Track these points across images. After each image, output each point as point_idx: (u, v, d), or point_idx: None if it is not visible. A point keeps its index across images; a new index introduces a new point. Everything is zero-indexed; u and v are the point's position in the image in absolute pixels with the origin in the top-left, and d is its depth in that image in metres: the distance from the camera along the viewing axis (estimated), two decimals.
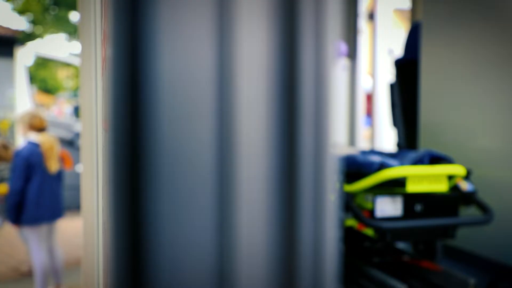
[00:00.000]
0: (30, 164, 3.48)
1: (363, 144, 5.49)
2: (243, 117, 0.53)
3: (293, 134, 0.55)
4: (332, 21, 0.56)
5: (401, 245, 2.70)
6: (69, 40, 15.77)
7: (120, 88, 0.51)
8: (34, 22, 14.57)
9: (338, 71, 0.57)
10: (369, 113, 5.50)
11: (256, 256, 0.54)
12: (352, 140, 5.51)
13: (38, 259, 3.58)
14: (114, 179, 0.52)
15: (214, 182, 0.53)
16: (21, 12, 14.36)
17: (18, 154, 3.52)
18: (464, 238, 2.83)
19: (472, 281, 2.16)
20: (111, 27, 0.50)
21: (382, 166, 2.05)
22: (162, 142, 0.51)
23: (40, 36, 14.65)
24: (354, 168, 2.16)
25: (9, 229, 5.35)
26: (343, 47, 3.45)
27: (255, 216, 0.54)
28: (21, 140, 4.72)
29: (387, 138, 5.25)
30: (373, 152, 2.70)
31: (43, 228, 3.64)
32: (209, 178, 0.52)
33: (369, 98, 5.46)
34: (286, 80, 0.54)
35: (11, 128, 8.94)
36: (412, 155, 2.29)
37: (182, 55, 0.51)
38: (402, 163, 2.19)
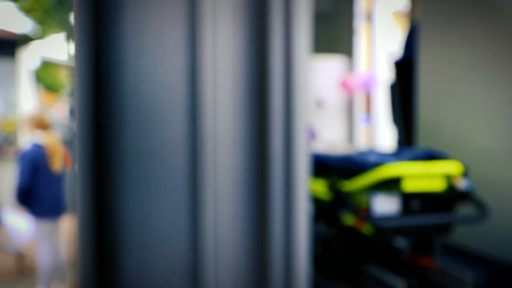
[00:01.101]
0: (36, 165, 3.59)
1: (362, 142, 5.51)
2: (211, 116, 0.54)
3: (263, 133, 0.56)
4: (300, 23, 0.57)
5: (399, 243, 2.72)
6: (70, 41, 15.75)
7: (86, 88, 0.51)
8: (38, 22, 14.61)
9: (307, 71, 0.59)
10: (368, 112, 5.52)
11: (226, 254, 0.55)
12: (351, 138, 5.52)
13: (43, 255, 3.66)
14: (82, 179, 0.53)
15: (183, 182, 0.54)
16: (28, 11, 14.40)
17: (24, 156, 3.60)
18: (462, 236, 2.85)
19: (469, 278, 2.18)
20: (76, 28, 0.51)
21: (379, 165, 2.08)
22: (129, 141, 0.52)
23: (42, 37, 14.69)
24: (352, 166, 2.19)
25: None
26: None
27: (225, 215, 0.55)
28: (24, 139, 4.75)
29: (386, 137, 5.27)
30: (371, 151, 2.72)
31: (46, 225, 3.70)
32: (178, 178, 0.53)
33: (368, 97, 5.48)
34: (256, 80, 0.56)
35: (15, 128, 8.98)
36: (410, 153, 2.31)
37: (150, 55, 0.52)
38: (400, 161, 2.21)
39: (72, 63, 0.53)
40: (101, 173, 0.53)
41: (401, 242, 2.67)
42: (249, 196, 0.57)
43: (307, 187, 0.59)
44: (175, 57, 0.54)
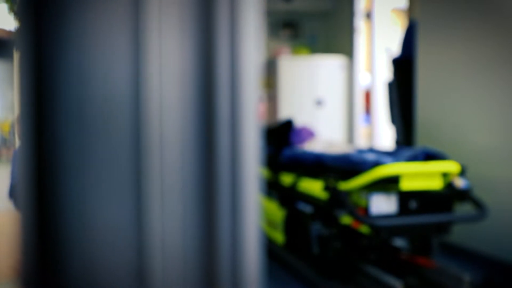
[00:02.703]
0: None
1: (361, 141, 5.51)
2: (157, 118, 0.54)
3: (211, 134, 0.56)
4: (248, 27, 0.57)
5: (397, 242, 2.72)
6: None
7: (29, 92, 0.52)
8: None
9: (254, 73, 0.59)
10: (368, 111, 5.51)
11: (174, 254, 0.55)
12: (350, 138, 5.52)
13: None
14: (24, 179, 0.52)
15: (129, 182, 0.54)
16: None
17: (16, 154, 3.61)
18: (460, 234, 2.84)
19: (467, 277, 2.17)
20: (20, 32, 0.51)
21: (376, 164, 2.07)
22: (74, 142, 0.52)
23: None
24: (349, 166, 2.18)
25: (7, 229, 5.36)
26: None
27: (173, 215, 0.55)
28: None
29: (385, 136, 5.26)
30: (369, 150, 2.71)
31: None
32: (124, 179, 0.53)
33: (367, 96, 5.47)
34: (203, 83, 0.56)
35: (12, 129, 8.99)
36: (407, 152, 2.30)
37: (96, 59, 0.52)
38: (397, 161, 2.20)
39: (16, 65, 0.53)
40: (44, 174, 0.52)
41: (399, 241, 2.67)
42: (197, 196, 0.57)
43: (257, 188, 0.59)
44: (121, 61, 0.54)
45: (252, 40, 0.58)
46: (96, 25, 0.52)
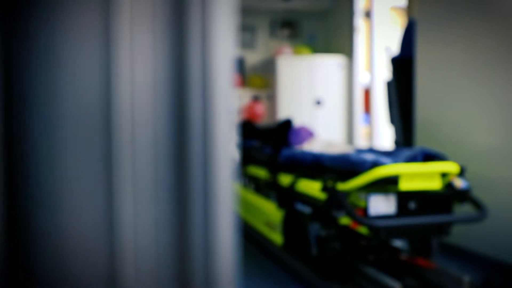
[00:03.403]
0: None
1: (361, 141, 5.49)
2: (129, 121, 0.54)
3: (183, 135, 0.56)
4: (221, 26, 0.57)
5: (396, 243, 2.70)
6: None
7: None
8: None
9: (228, 75, 0.60)
10: (367, 111, 5.49)
11: (147, 259, 0.54)
12: (350, 138, 5.50)
13: None
14: None
15: (100, 187, 0.53)
16: None
17: None
18: (460, 235, 2.83)
19: (467, 278, 2.15)
20: None
21: (375, 164, 2.05)
22: (43, 147, 0.52)
23: None
24: (347, 166, 2.16)
25: None
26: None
27: (145, 219, 0.55)
28: None
29: (385, 136, 5.24)
30: (368, 150, 2.70)
31: None
32: (95, 182, 0.53)
33: (367, 96, 5.45)
34: (175, 84, 0.56)
35: None
36: (406, 153, 2.29)
37: (65, 63, 0.52)
38: (395, 161, 2.18)
39: None
40: (14, 175, 0.52)
41: (398, 242, 2.65)
42: (170, 197, 0.56)
43: (231, 190, 0.59)
44: (92, 62, 0.54)
45: (225, 39, 0.58)
46: (66, 26, 0.52)
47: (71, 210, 0.53)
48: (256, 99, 5.44)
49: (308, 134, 3.51)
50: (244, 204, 3.62)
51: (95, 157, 0.54)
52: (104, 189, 0.54)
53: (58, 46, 0.52)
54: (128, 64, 0.54)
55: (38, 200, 0.53)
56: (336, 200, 2.06)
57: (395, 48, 4.37)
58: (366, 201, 2.04)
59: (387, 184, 2.08)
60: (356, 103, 5.45)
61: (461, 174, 2.22)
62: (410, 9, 4.33)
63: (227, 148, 0.58)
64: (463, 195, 2.17)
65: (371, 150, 2.66)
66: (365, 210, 2.04)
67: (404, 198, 2.06)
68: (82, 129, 0.53)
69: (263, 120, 5.39)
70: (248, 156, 3.69)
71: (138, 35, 0.54)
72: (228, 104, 0.58)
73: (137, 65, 0.54)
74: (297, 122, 4.46)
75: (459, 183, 2.19)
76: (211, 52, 0.57)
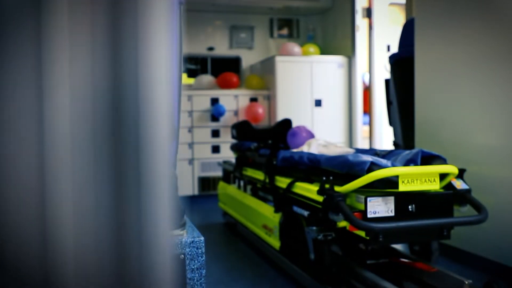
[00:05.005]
0: None
1: (361, 142, 5.44)
2: (66, 125, 0.54)
3: (117, 135, 0.55)
4: (154, 35, 0.57)
5: (397, 246, 2.66)
6: None
7: None
8: None
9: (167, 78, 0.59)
10: (367, 111, 5.45)
11: (85, 255, 0.54)
12: (350, 138, 5.45)
13: None
14: None
15: (35, 180, 0.52)
16: None
17: None
18: (460, 237, 2.78)
19: (467, 282, 2.11)
20: None
21: (372, 167, 2.01)
22: None
23: None
24: (346, 168, 2.12)
25: None
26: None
27: (82, 217, 0.54)
28: None
29: (385, 136, 5.19)
30: (367, 151, 2.65)
31: None
32: (29, 176, 0.52)
33: (367, 96, 5.40)
34: (111, 95, 0.55)
35: None
36: (405, 155, 2.24)
37: None
38: (393, 163, 2.14)
39: None
40: None
41: (397, 245, 2.60)
42: (107, 198, 0.56)
43: (170, 193, 0.59)
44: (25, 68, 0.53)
45: (161, 42, 0.57)
46: None
47: (3, 208, 0.53)
48: (254, 100, 5.40)
49: (307, 134, 3.46)
50: (241, 206, 3.57)
51: (28, 151, 0.53)
52: (36, 184, 0.54)
53: None
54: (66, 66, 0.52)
55: None
56: (333, 203, 2.02)
57: (395, 47, 4.32)
58: (364, 203, 1.99)
59: (385, 186, 2.03)
60: (356, 103, 5.41)
61: (461, 176, 2.18)
62: (409, 7, 4.28)
63: (164, 152, 0.58)
64: (463, 197, 2.13)
65: (370, 152, 2.62)
66: (363, 212, 1.99)
67: (403, 200, 2.01)
68: (15, 129, 0.53)
69: (262, 121, 5.35)
70: (245, 158, 3.65)
71: (74, 35, 0.52)
72: (167, 107, 0.58)
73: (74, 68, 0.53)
74: (297, 122, 4.41)
75: (459, 185, 2.15)
76: (146, 54, 0.56)
